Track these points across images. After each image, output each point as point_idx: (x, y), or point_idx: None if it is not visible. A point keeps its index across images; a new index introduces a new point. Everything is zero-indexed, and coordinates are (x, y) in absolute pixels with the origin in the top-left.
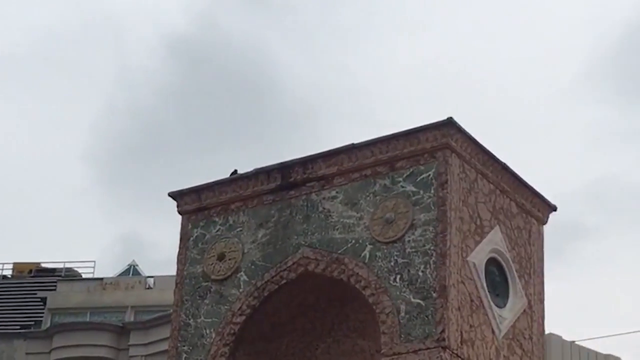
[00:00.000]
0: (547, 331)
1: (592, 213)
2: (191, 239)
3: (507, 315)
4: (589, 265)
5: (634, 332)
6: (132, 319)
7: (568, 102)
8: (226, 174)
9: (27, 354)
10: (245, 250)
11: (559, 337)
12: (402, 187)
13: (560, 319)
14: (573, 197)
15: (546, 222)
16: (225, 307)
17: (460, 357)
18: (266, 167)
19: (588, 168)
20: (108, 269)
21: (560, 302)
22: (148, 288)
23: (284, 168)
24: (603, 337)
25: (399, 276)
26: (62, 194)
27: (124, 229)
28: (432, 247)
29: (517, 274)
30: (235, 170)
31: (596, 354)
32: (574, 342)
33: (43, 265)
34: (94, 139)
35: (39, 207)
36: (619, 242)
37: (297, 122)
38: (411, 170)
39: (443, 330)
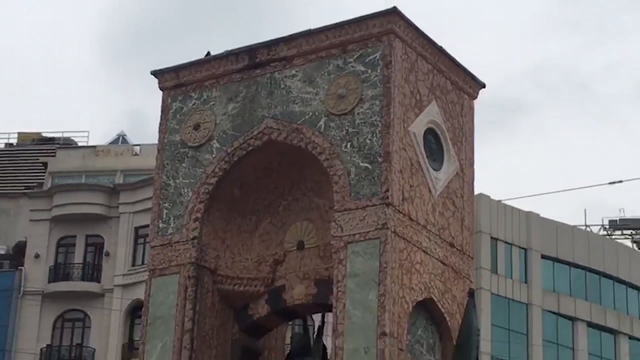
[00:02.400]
0: (479, 191)
1: (531, 92)
2: (170, 111)
3: (441, 177)
4: (526, 136)
5: (552, 192)
6: (121, 181)
7: None
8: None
9: (31, 210)
10: (218, 121)
11: (488, 197)
12: (353, 67)
13: (496, 181)
14: (517, 78)
15: (476, 97)
16: (200, 169)
17: (401, 212)
18: (235, 49)
19: (530, 53)
20: (100, 138)
21: (498, 166)
22: (135, 155)
23: (251, 50)
24: (526, 196)
25: (349, 143)
26: (67, 72)
27: (118, 102)
28: (378, 119)
29: (450, 142)
30: (209, 52)
31: (519, 210)
32: (500, 201)
33: (44, 134)
34: (102, 23)
35: (44, 82)
36: (552, 117)
37: (265, 9)
38: (360, 52)
39: (387, 190)
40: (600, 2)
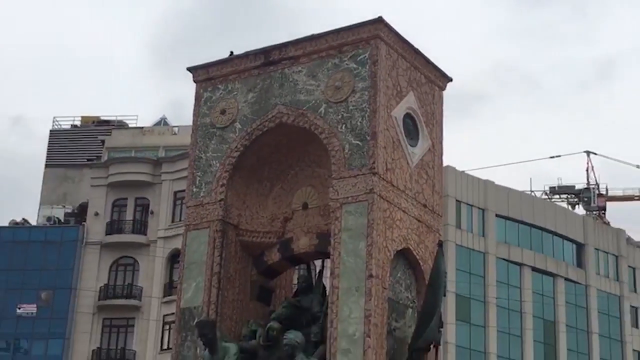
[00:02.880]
0: (447, 163)
1: (490, 85)
2: (202, 99)
3: (417, 152)
4: (485, 120)
5: (505, 164)
6: (163, 155)
7: (479, 4)
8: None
9: (91, 178)
10: (239, 107)
11: (454, 168)
12: (347, 64)
13: (461, 156)
14: (479, 73)
15: (445, 89)
16: (225, 146)
17: (385, 180)
18: (253, 50)
19: (491, 54)
20: (147, 121)
21: (463, 144)
22: (174, 134)
23: (266, 51)
24: (484, 168)
25: (344, 125)
26: (122, 67)
27: (161, 92)
28: (366, 106)
29: (424, 124)
30: (232, 52)
31: (478, 179)
32: (464, 171)
33: (102, 117)
34: (151, 29)
35: (103, 75)
36: (507, 105)
37: (279, 19)
38: (353, 52)
39: (374, 162)
40: (548, 13)
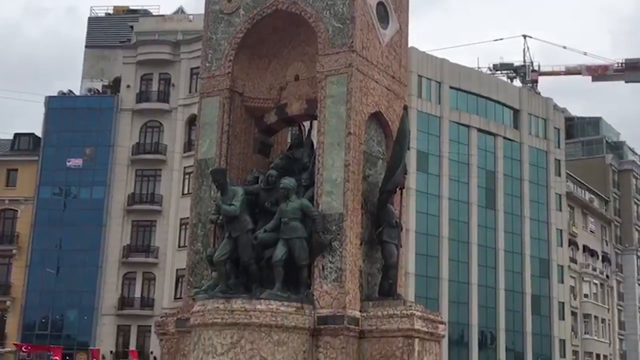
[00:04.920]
0: (411, 44)
1: None
2: None
3: (387, 33)
4: (444, 11)
5: (459, 45)
6: (181, 38)
7: None
8: None
9: (123, 57)
10: None
11: (416, 48)
12: None
13: (423, 38)
14: None
15: None
16: (232, 28)
17: (361, 56)
18: None
19: None
20: (168, 10)
21: (425, 29)
22: (189, 21)
23: None
24: (441, 49)
25: (328, 11)
26: None
27: None
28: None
29: (394, 11)
30: None
31: (435, 57)
32: (425, 51)
33: (131, 7)
34: None
35: None
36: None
37: None
38: None
39: (352, 42)
40: None
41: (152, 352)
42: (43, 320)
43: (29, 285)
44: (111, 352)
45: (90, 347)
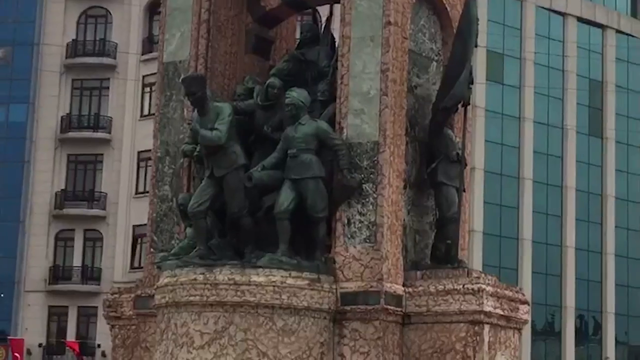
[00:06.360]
0: None
1: None
2: None
3: None
4: None
5: None
6: None
7: None
8: None
9: None
10: None
11: None
12: None
13: None
14: None
15: None
16: None
17: None
18: None
19: None
20: None
21: None
22: None
23: None
24: None
25: None
26: None
27: None
28: None
29: None
30: None
31: None
32: None
33: None
34: None
35: None
36: None
37: None
38: None
39: None
40: None
41: (99, 345)
42: None
43: None
44: (40, 344)
45: (10, 337)
